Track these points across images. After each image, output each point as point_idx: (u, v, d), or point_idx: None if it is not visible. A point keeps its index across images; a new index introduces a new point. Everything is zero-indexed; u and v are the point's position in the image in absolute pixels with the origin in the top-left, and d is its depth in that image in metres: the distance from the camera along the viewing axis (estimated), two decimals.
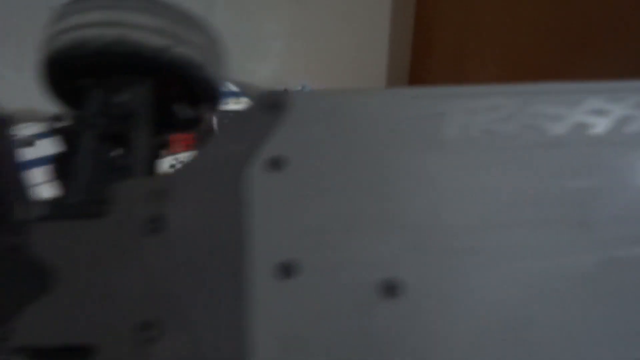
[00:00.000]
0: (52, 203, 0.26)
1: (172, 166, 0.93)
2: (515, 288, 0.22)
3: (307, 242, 0.23)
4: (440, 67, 0.79)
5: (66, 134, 0.28)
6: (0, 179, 0.28)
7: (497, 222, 0.23)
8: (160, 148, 0.31)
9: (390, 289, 0.22)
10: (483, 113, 0.24)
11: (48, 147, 2.09)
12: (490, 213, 0.23)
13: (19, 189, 0.28)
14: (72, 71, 0.29)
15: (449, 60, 0.99)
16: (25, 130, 2.16)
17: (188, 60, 0.28)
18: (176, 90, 0.30)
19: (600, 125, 0.24)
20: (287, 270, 0.22)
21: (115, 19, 0.27)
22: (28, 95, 2.13)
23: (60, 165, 0.28)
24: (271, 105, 0.24)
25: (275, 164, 0.23)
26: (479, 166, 0.24)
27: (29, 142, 2.05)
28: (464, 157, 0.24)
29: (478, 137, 0.24)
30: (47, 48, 0.29)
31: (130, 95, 0.28)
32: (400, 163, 0.24)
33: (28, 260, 0.23)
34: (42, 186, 1.89)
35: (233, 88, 1.09)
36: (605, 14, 0.55)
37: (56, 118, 0.29)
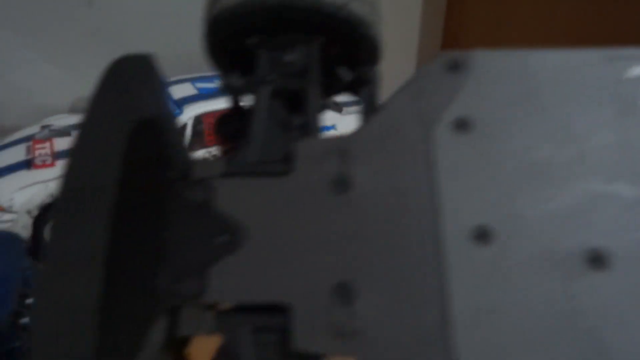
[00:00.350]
0: (231, 161, 0.25)
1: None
2: None
3: (500, 207, 0.21)
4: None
5: (235, 94, 0.28)
6: (174, 134, 0.27)
7: None
8: (324, 110, 0.30)
9: (597, 260, 0.20)
10: None
11: None
12: None
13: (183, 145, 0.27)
14: (240, 31, 0.28)
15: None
16: (61, 121, 2.24)
17: (361, 18, 0.26)
18: (338, 51, 0.29)
19: None
20: (482, 235, 0.21)
21: None
22: (64, 89, 2.20)
23: (228, 126, 0.28)
24: (452, 65, 0.23)
25: (461, 125, 0.22)
26: None
27: (65, 132, 2.13)
28: None
29: None
30: (215, 6, 0.28)
31: (301, 53, 0.27)
32: (593, 127, 0.22)
33: (215, 216, 0.22)
34: None
35: None
36: None
37: (225, 80, 0.28)
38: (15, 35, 1.86)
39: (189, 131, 1.88)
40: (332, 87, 0.29)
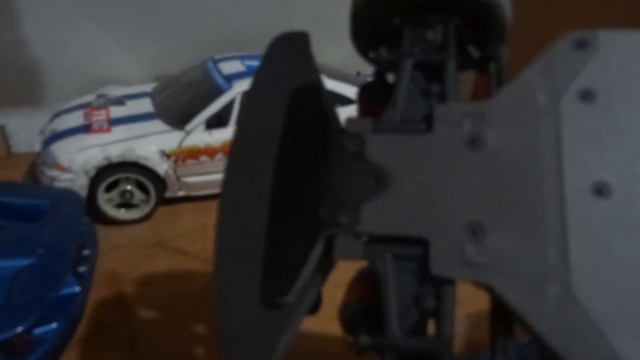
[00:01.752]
0: (379, 120, 0.29)
1: None
2: None
3: (619, 167, 0.23)
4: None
5: (382, 66, 0.32)
6: (327, 97, 0.31)
7: None
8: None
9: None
10: None
11: (136, 106, 2.24)
12: None
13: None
14: (388, 11, 0.32)
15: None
16: (115, 91, 2.35)
17: (497, 2, 0.30)
18: (470, 31, 0.33)
19: None
20: (602, 190, 0.23)
21: None
22: (119, 62, 2.28)
23: (373, 92, 0.32)
24: (580, 43, 0.26)
25: (586, 95, 0.24)
26: None
27: (120, 101, 2.23)
28: None
29: None
30: None
31: (440, 32, 0.31)
32: None
33: (367, 163, 0.26)
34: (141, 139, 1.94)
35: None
36: None
37: (374, 53, 0.32)
38: (79, 9, 1.95)
39: (237, 104, 1.95)
40: (462, 63, 0.33)
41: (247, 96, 0.31)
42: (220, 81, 2.07)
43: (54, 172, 1.91)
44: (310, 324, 0.28)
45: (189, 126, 1.98)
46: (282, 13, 0.86)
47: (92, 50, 2.23)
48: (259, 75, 0.31)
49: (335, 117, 0.31)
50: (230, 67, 2.15)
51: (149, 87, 2.29)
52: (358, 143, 0.27)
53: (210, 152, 1.95)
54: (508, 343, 0.21)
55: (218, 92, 2.04)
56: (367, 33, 0.33)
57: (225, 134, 1.97)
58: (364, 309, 0.25)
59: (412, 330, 0.23)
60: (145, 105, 2.14)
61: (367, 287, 0.26)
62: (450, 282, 0.24)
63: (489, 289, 0.23)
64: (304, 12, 0.83)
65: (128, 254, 1.86)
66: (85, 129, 2.00)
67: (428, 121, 0.27)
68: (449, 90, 0.28)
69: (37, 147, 2.03)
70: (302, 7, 0.81)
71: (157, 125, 2.02)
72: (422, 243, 0.24)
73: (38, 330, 1.12)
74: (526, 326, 0.20)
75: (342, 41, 0.95)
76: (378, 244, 0.26)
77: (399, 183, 0.25)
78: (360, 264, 0.27)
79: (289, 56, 0.29)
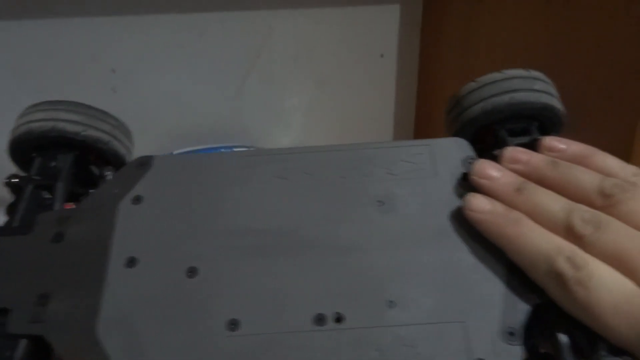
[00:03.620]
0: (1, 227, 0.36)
1: None
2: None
3: (148, 244, 0.31)
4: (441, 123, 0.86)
5: (14, 187, 0.39)
6: None
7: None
8: (80, 195, 0.41)
9: (190, 272, 0.29)
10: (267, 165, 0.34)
11: None
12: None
13: None
14: (27, 147, 0.40)
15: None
16: None
17: (96, 139, 0.40)
18: (94, 158, 0.42)
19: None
20: (131, 262, 0.30)
21: (50, 116, 0.39)
22: None
23: (11, 208, 0.38)
24: (141, 163, 0.35)
25: (136, 200, 0.33)
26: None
27: None
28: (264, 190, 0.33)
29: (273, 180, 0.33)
30: (12, 134, 0.40)
31: (58, 162, 0.40)
32: (221, 198, 0.32)
33: None
34: None
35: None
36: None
37: (9, 177, 0.39)
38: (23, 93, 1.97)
39: None
40: (83, 181, 0.42)
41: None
42: None
43: None
44: None
45: None
46: (236, 105, 0.94)
47: None
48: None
49: None
50: None
51: None
52: None
53: None
54: None
55: None
56: (20, 161, 0.42)
57: None
58: None
59: None
60: None
61: None
62: (24, 337, 0.29)
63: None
64: (255, 98, 0.92)
65: None
66: None
67: (31, 225, 0.34)
68: (52, 203, 0.37)
69: None
70: (253, 93, 0.90)
71: None
72: (6, 311, 0.30)
73: None
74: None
75: (289, 128, 1.03)
76: None
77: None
78: None
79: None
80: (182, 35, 0.89)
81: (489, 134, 0.37)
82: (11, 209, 0.38)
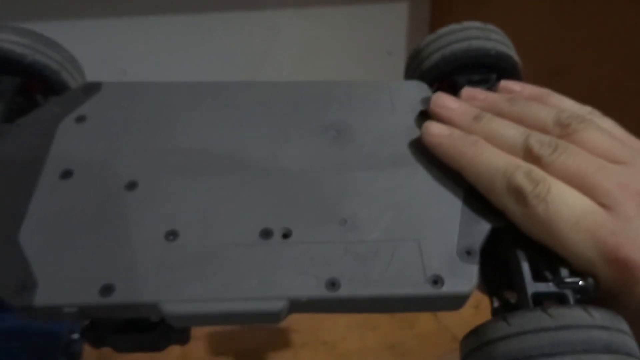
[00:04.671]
0: None
1: None
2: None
3: (87, 158, 0.30)
4: None
5: None
6: None
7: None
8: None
9: (130, 186, 0.29)
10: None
11: None
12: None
13: None
14: None
15: None
16: None
17: (45, 65, 0.37)
18: (41, 87, 0.39)
19: None
20: (66, 174, 0.29)
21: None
22: None
23: None
24: (87, 88, 0.33)
25: (79, 119, 0.32)
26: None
27: None
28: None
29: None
30: None
31: (0, 84, 0.37)
32: (167, 121, 0.32)
33: None
34: None
35: None
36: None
37: None
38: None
39: None
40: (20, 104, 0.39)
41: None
42: None
43: None
44: None
45: None
46: None
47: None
48: None
49: None
50: None
51: None
52: None
53: None
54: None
55: None
56: None
57: None
58: None
59: None
60: None
61: None
62: None
63: None
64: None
65: None
66: None
67: None
68: None
69: None
70: None
71: None
72: None
73: None
74: None
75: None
76: None
77: None
78: None
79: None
80: (190, 36, 0.90)
81: (448, 86, 0.37)
82: None
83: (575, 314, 0.22)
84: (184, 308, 0.24)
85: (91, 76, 1.02)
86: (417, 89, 0.34)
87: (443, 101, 0.31)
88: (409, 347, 0.62)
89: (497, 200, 0.26)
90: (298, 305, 0.25)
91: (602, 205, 0.24)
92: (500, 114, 0.29)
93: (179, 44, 0.90)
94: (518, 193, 0.25)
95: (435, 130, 0.29)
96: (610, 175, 0.24)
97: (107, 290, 0.25)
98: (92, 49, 0.89)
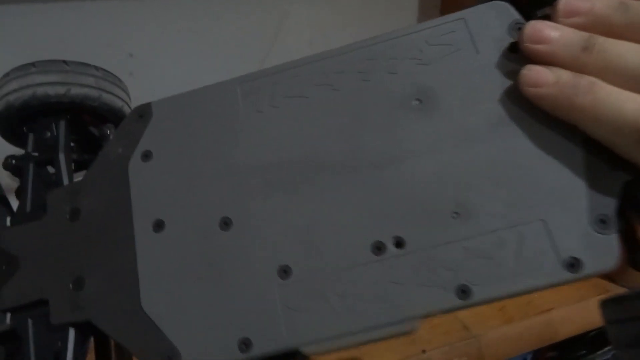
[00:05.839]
0: (14, 213, 0.34)
1: None
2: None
3: (170, 202, 0.28)
4: None
5: (14, 169, 0.36)
6: None
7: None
8: (88, 162, 0.38)
9: (224, 224, 0.27)
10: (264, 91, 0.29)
11: None
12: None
13: None
14: (13, 124, 0.37)
15: None
16: None
17: (84, 96, 0.36)
18: (89, 118, 0.38)
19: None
20: (158, 225, 0.28)
21: (25, 83, 0.35)
22: None
23: (19, 191, 0.35)
24: (139, 115, 0.31)
25: (145, 156, 0.30)
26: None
27: None
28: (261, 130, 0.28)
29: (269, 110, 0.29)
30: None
31: (51, 131, 0.36)
32: (232, 132, 0.29)
33: (2, 253, 0.31)
34: None
35: None
36: None
37: (6, 159, 0.36)
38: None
39: None
40: (86, 145, 0.39)
41: None
42: None
43: None
44: None
45: None
46: None
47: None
48: None
49: None
50: None
51: None
52: None
53: None
54: None
55: None
56: (13, 139, 0.39)
57: None
58: None
59: None
60: None
61: None
62: (70, 325, 0.29)
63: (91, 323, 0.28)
64: None
65: None
66: None
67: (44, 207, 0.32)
68: (59, 178, 0.35)
69: None
70: None
71: None
72: (45, 302, 0.29)
73: None
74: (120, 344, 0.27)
75: None
76: (20, 313, 0.30)
77: (24, 262, 0.30)
78: None
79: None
80: (198, 20, 0.89)
81: None
82: (19, 193, 0.35)
83: None
84: (323, 347, 0.24)
85: (97, 59, 1.01)
86: (500, 13, 0.27)
87: (540, 33, 0.24)
88: (420, 335, 0.61)
89: (626, 153, 0.22)
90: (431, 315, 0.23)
91: None
92: (612, 29, 0.23)
93: (187, 28, 0.89)
94: None
95: (536, 78, 0.23)
96: None
97: (245, 345, 0.25)
98: (98, 31, 0.88)
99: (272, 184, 0.27)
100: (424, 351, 0.61)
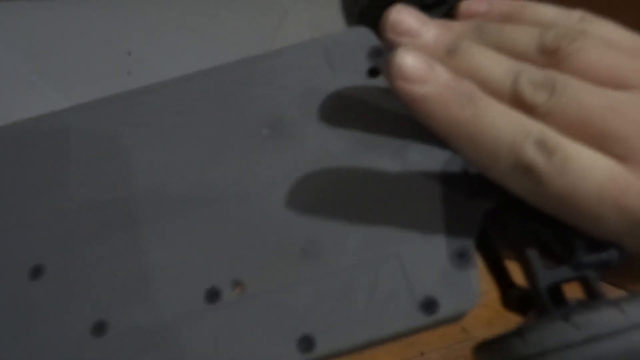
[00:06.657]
0: None
1: None
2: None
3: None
4: None
5: None
6: None
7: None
8: None
9: (34, 273, 0.24)
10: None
11: None
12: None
13: None
14: None
15: None
16: None
17: None
18: None
19: None
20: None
21: None
22: None
23: None
24: None
25: None
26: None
27: None
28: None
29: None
30: None
31: None
32: (61, 166, 0.25)
33: None
34: None
35: None
36: None
37: None
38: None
39: None
40: None
41: None
42: None
43: None
44: None
45: None
46: None
47: None
48: None
49: None
50: None
51: None
52: None
53: None
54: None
55: None
56: None
57: None
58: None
59: None
60: None
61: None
62: None
63: None
64: None
65: None
66: None
67: None
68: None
69: None
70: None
71: None
72: None
73: None
74: None
75: None
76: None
77: None
78: None
79: None
80: (196, 18, 0.88)
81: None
82: None
83: (604, 317, 0.18)
84: None
85: (96, 58, 1.00)
86: (361, 39, 0.25)
87: (405, 22, 0.21)
88: (417, 337, 0.61)
89: (499, 177, 0.20)
90: None
91: (620, 158, 0.19)
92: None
93: (185, 25, 0.89)
94: (529, 170, 0.19)
95: (412, 69, 0.19)
96: (622, 114, 0.19)
97: None
98: (96, 30, 0.88)
99: (107, 224, 0.24)
100: (422, 353, 0.61)
